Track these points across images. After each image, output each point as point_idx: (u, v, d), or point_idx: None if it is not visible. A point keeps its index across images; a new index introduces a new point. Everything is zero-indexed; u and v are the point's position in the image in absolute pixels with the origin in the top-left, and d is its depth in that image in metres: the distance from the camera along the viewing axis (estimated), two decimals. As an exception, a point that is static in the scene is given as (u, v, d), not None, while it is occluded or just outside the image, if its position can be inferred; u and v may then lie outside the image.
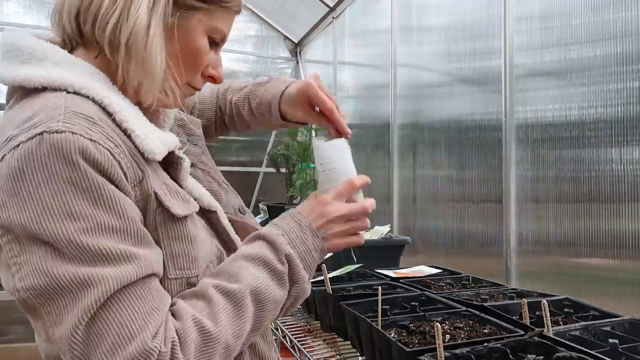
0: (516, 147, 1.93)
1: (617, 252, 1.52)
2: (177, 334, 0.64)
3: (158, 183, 0.72)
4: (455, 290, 1.49)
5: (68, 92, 0.67)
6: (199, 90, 0.85)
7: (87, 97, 0.68)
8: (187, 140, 0.94)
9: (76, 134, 0.61)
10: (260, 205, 3.46)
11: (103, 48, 0.70)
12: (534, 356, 0.91)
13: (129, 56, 0.69)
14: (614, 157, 1.54)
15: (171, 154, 0.75)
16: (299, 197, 3.00)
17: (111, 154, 0.64)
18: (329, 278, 1.43)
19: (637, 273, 1.46)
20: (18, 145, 0.60)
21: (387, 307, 1.22)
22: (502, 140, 1.98)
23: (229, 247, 0.85)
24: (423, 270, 1.76)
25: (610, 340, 0.94)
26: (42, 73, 0.68)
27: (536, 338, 0.97)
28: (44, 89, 0.68)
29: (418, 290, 1.42)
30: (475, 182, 2.17)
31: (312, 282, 1.52)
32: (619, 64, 1.53)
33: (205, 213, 0.83)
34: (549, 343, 0.94)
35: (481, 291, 1.44)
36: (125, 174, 0.65)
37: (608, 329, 1.05)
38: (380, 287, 1.19)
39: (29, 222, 0.58)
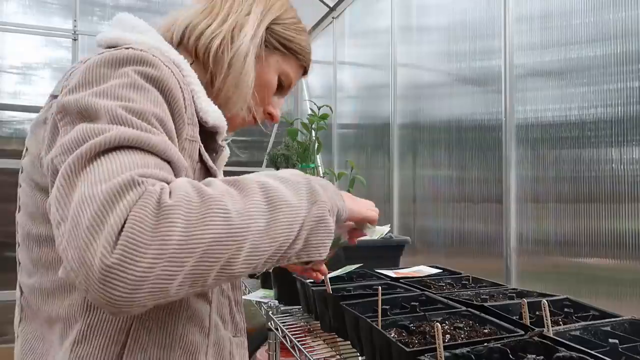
0: (516, 147, 1.93)
1: (617, 252, 1.52)
2: (171, 186, 0.57)
3: (202, 144, 0.79)
4: (455, 290, 1.49)
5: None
6: (256, 123, 0.97)
7: (170, 58, 0.76)
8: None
9: (158, 57, 0.70)
10: (260, 205, 3.45)
11: (202, 59, 0.85)
12: (534, 356, 0.91)
13: (227, 73, 0.85)
14: (614, 157, 1.54)
15: (215, 139, 0.83)
16: (299, 197, 2.99)
17: (180, 87, 0.71)
18: (329, 278, 1.43)
19: (637, 273, 1.46)
20: (103, 53, 0.68)
21: (387, 307, 1.22)
22: (502, 140, 1.97)
23: None
24: (423, 270, 1.76)
25: (610, 340, 0.94)
26: (135, 38, 0.77)
27: (536, 338, 0.97)
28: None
29: (418, 290, 1.42)
30: (475, 182, 2.17)
31: (312, 282, 1.52)
32: (619, 64, 1.53)
33: None
34: (549, 343, 0.94)
35: (481, 291, 1.44)
36: (185, 108, 0.72)
37: (608, 329, 1.05)
38: (380, 287, 1.19)
39: (83, 98, 0.62)
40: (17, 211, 0.79)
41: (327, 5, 3.79)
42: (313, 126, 2.94)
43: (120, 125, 0.59)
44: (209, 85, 0.85)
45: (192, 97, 0.76)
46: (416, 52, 2.75)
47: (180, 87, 0.71)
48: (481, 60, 2.17)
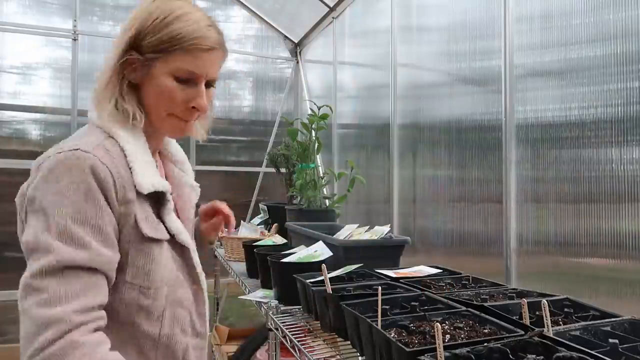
0: (516, 147, 1.93)
1: (617, 252, 1.52)
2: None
3: (141, 211, 1.00)
4: (455, 290, 1.49)
5: (109, 136, 1.01)
6: (188, 120, 1.08)
7: (117, 142, 1.00)
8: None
9: (96, 156, 0.94)
10: (260, 205, 3.46)
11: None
12: (534, 356, 0.91)
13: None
14: (614, 157, 1.54)
15: (162, 195, 1.04)
16: (298, 197, 2.99)
17: (112, 176, 0.95)
18: (329, 278, 1.43)
19: (637, 273, 1.46)
20: (60, 153, 0.93)
21: (387, 307, 1.22)
22: (502, 140, 1.98)
23: (194, 280, 1.11)
24: (423, 270, 1.76)
25: (610, 340, 0.94)
26: (102, 123, 1.03)
27: (536, 338, 0.97)
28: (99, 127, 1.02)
29: (418, 290, 1.42)
30: (475, 182, 2.17)
31: (312, 282, 1.52)
32: (619, 64, 1.53)
33: (179, 247, 1.08)
34: (549, 343, 0.94)
35: (481, 291, 1.44)
36: (116, 193, 0.95)
37: (608, 329, 1.05)
38: (380, 287, 1.19)
39: (43, 199, 0.89)
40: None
41: (327, 5, 3.79)
42: (313, 126, 2.94)
43: (64, 242, 0.87)
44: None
45: (132, 172, 0.98)
46: (416, 52, 2.75)
47: (114, 179, 0.95)
48: (481, 60, 2.17)
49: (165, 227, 1.04)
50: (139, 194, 0.99)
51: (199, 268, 1.12)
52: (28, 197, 0.91)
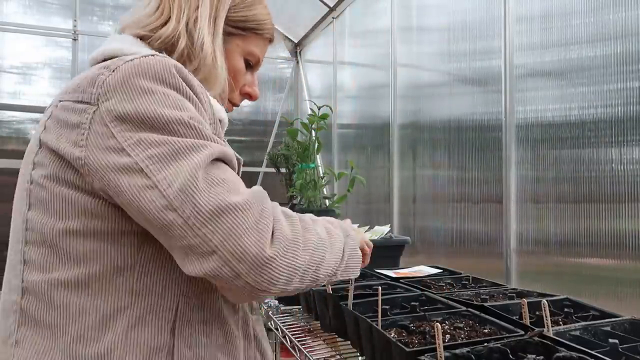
0: (516, 147, 1.93)
1: (617, 252, 1.52)
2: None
3: None
4: (455, 290, 1.49)
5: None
6: (237, 106, 1.01)
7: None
8: None
9: (177, 63, 0.75)
10: (260, 205, 3.45)
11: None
12: (534, 356, 0.91)
13: (197, 71, 0.85)
14: (614, 157, 1.54)
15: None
16: (298, 197, 2.99)
17: (199, 84, 0.78)
18: (329, 278, 1.43)
19: (637, 273, 1.46)
20: (132, 60, 0.73)
21: (387, 307, 1.22)
22: (502, 140, 1.98)
23: None
24: (423, 270, 1.76)
25: (610, 340, 0.94)
26: (138, 49, 0.81)
27: (536, 338, 0.97)
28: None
29: (418, 290, 1.42)
30: (475, 182, 2.17)
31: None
32: (619, 64, 1.53)
33: None
34: (549, 343, 0.94)
35: (481, 291, 1.44)
36: (205, 107, 0.77)
37: (608, 329, 1.05)
38: (380, 287, 1.19)
39: (145, 109, 0.69)
40: (26, 209, 0.76)
41: (327, 5, 3.79)
42: (313, 126, 2.93)
43: (201, 138, 0.70)
44: None
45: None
46: (416, 52, 2.75)
47: (202, 88, 0.78)
48: (481, 60, 2.17)
49: None
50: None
51: None
52: (116, 114, 0.69)
